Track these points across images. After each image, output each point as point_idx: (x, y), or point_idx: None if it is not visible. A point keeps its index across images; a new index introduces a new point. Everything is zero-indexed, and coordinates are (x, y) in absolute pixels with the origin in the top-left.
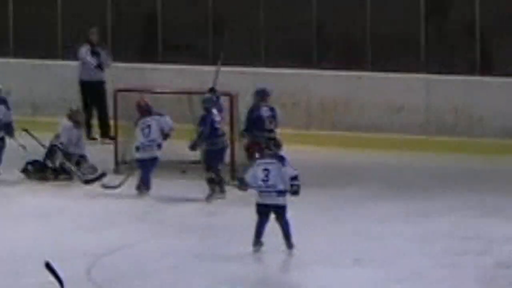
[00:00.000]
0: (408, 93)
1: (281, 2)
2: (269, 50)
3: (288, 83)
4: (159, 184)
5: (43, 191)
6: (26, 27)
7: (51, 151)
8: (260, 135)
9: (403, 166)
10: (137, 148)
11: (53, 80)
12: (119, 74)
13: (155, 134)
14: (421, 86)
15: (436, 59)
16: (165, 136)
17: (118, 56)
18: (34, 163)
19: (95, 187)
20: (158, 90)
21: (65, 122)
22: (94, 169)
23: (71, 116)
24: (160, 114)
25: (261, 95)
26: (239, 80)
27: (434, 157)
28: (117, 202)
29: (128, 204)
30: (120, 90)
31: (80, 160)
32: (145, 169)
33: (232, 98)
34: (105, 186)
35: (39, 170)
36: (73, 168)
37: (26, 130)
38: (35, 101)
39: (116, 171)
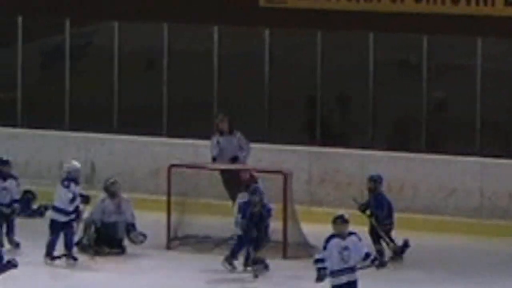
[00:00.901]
0: (462, 176)
1: (338, 81)
2: (324, 130)
3: (343, 163)
4: (203, 259)
5: (97, 264)
6: (82, 101)
7: (85, 226)
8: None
9: (457, 249)
10: (235, 224)
11: (107, 154)
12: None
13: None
14: (475, 170)
15: (491, 143)
16: None
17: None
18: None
19: (146, 261)
20: (212, 167)
21: (100, 196)
22: (144, 236)
23: (106, 188)
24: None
25: (378, 181)
26: (294, 158)
27: (488, 241)
28: (166, 276)
29: (176, 280)
30: (173, 166)
31: (129, 228)
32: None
33: (286, 177)
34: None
35: (94, 244)
36: (87, 242)
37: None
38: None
39: (168, 247)
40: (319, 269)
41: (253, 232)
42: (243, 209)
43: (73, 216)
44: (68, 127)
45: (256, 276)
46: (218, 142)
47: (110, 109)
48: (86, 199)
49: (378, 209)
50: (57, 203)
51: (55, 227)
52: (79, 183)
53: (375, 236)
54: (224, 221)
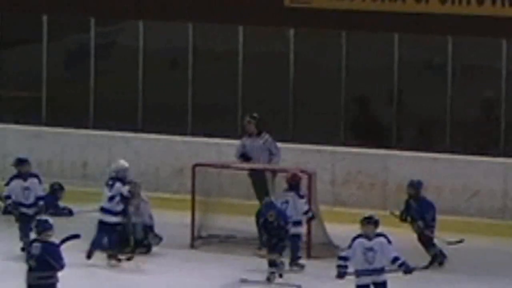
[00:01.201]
0: (485, 177)
1: (360, 81)
2: (348, 129)
3: (366, 163)
4: (226, 259)
5: (121, 263)
6: (107, 100)
7: None
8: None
9: (480, 250)
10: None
11: (131, 153)
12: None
13: (290, 211)
14: (499, 170)
15: None
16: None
17: None
18: None
19: (170, 260)
20: (236, 166)
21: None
22: (160, 238)
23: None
24: (301, 196)
25: (420, 187)
26: (317, 158)
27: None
28: (190, 275)
29: (199, 279)
30: (197, 165)
31: (146, 229)
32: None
33: (310, 176)
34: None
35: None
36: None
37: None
38: None
39: (192, 246)
40: (339, 266)
41: (264, 237)
42: (259, 215)
43: (120, 217)
44: (92, 126)
45: (268, 279)
46: (243, 145)
47: (134, 108)
48: (126, 200)
49: (425, 212)
50: (103, 203)
51: (100, 227)
52: (126, 183)
53: (426, 241)
54: (247, 221)
